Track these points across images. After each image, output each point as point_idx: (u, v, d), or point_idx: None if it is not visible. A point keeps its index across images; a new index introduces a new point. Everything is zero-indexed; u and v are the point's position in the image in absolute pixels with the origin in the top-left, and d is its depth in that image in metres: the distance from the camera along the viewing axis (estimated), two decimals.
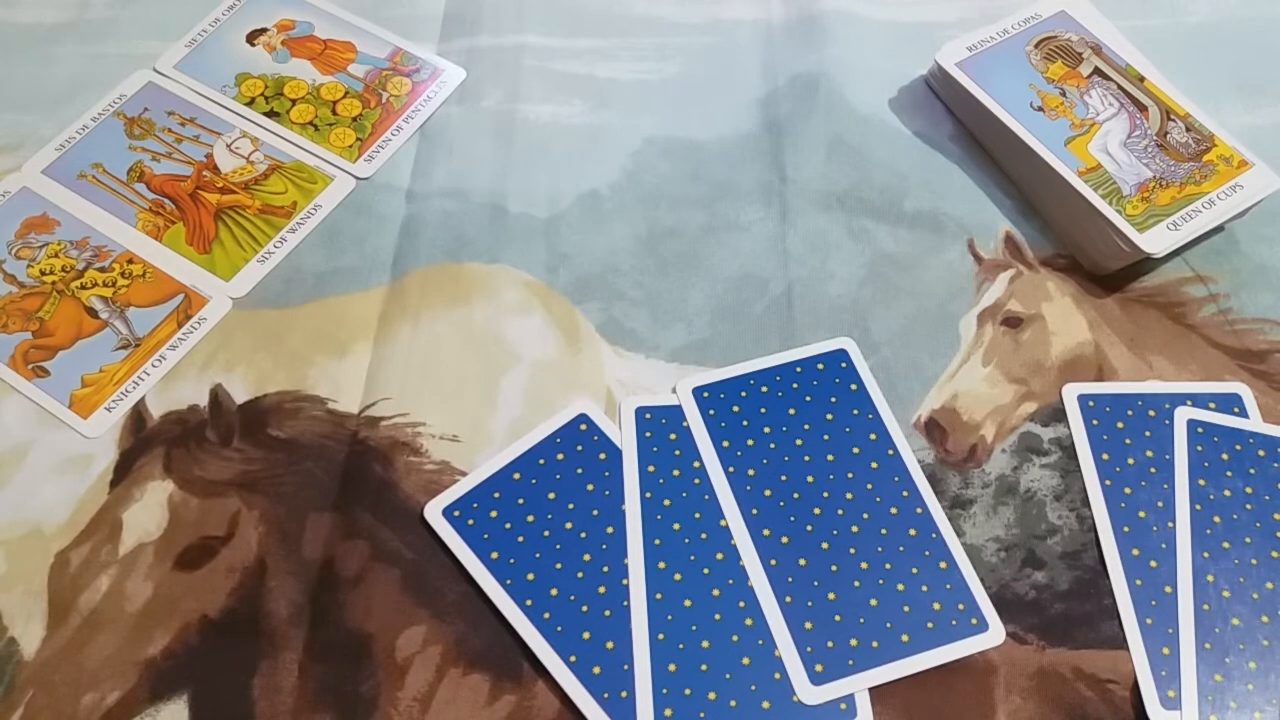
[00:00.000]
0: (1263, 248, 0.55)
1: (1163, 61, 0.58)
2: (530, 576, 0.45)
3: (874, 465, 0.48)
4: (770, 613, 0.44)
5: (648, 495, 0.47)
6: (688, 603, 0.44)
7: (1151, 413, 0.49)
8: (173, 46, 0.63)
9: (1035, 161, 0.54)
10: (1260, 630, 0.43)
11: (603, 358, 0.52)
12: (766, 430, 0.49)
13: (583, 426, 0.49)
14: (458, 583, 0.45)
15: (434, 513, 0.47)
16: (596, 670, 0.43)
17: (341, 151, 0.59)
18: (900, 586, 0.45)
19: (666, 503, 0.47)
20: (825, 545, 0.46)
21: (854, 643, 0.43)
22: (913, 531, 0.46)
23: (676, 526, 0.46)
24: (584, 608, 0.44)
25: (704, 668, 0.43)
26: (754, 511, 0.46)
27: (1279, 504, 0.47)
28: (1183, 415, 0.49)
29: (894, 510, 0.47)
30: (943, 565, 0.45)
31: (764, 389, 0.50)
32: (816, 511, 0.47)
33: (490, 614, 0.44)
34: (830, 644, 0.43)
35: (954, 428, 0.50)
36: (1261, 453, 0.48)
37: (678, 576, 0.45)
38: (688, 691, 0.42)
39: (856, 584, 0.45)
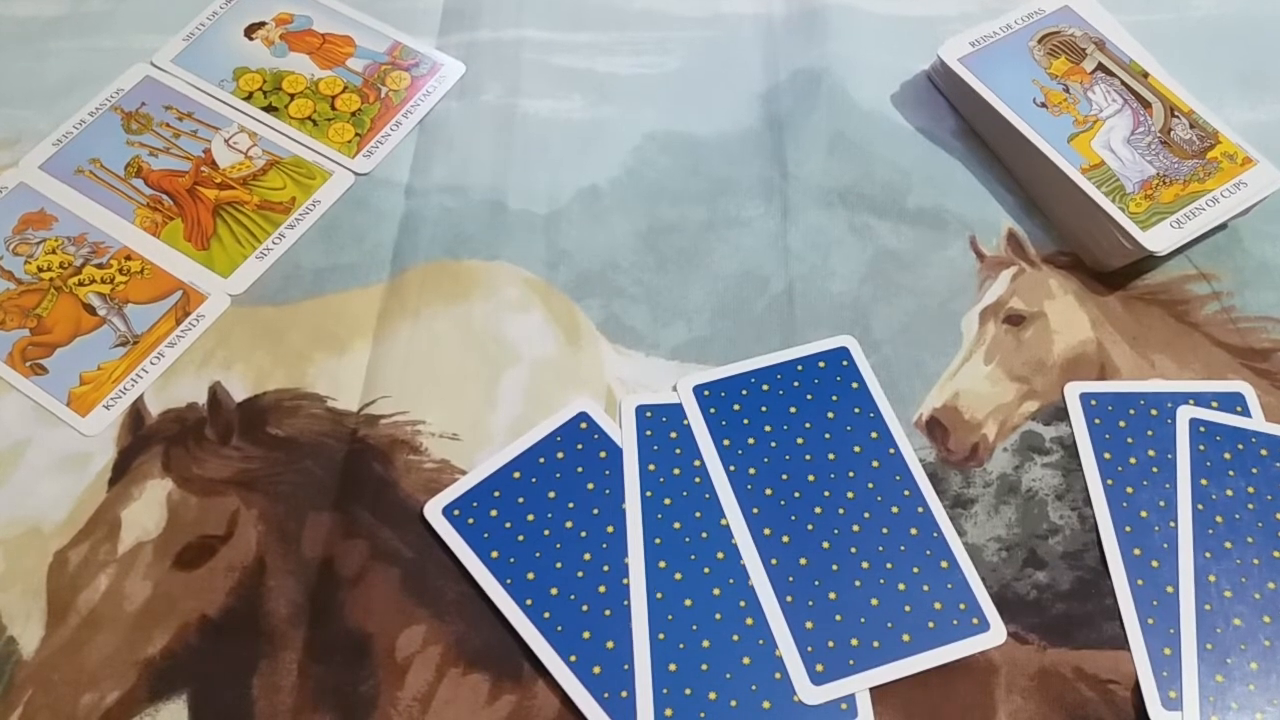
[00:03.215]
0: (1266, 245, 0.55)
1: (1166, 57, 0.57)
2: (530, 576, 0.45)
3: (875, 464, 0.48)
4: (771, 612, 0.44)
5: (648, 494, 0.47)
6: (688, 602, 0.44)
7: (1154, 412, 0.49)
8: (170, 40, 0.62)
9: (1038, 158, 0.54)
10: (1262, 631, 0.43)
11: (603, 355, 0.52)
12: (767, 429, 0.48)
13: (583, 425, 0.49)
14: (457, 582, 0.45)
15: (434, 512, 0.46)
16: (596, 670, 0.43)
17: (340, 147, 0.58)
18: (901, 586, 0.45)
19: (667, 501, 0.47)
20: (826, 544, 0.46)
21: (855, 642, 0.43)
22: (914, 531, 0.46)
23: (677, 525, 0.46)
24: (584, 607, 0.44)
25: (704, 667, 0.43)
26: (755, 510, 0.46)
27: None
28: (1185, 414, 0.49)
29: (895, 509, 0.46)
30: (944, 565, 0.45)
31: (765, 387, 0.50)
32: (817, 510, 0.46)
33: (490, 613, 0.44)
34: (831, 644, 0.43)
35: (955, 426, 0.49)
36: (1264, 452, 0.48)
37: (678, 576, 0.45)
38: (688, 691, 0.42)
39: (857, 583, 0.45)
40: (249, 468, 0.48)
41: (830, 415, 0.49)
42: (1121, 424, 0.49)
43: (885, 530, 0.46)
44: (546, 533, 0.46)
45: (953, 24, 0.62)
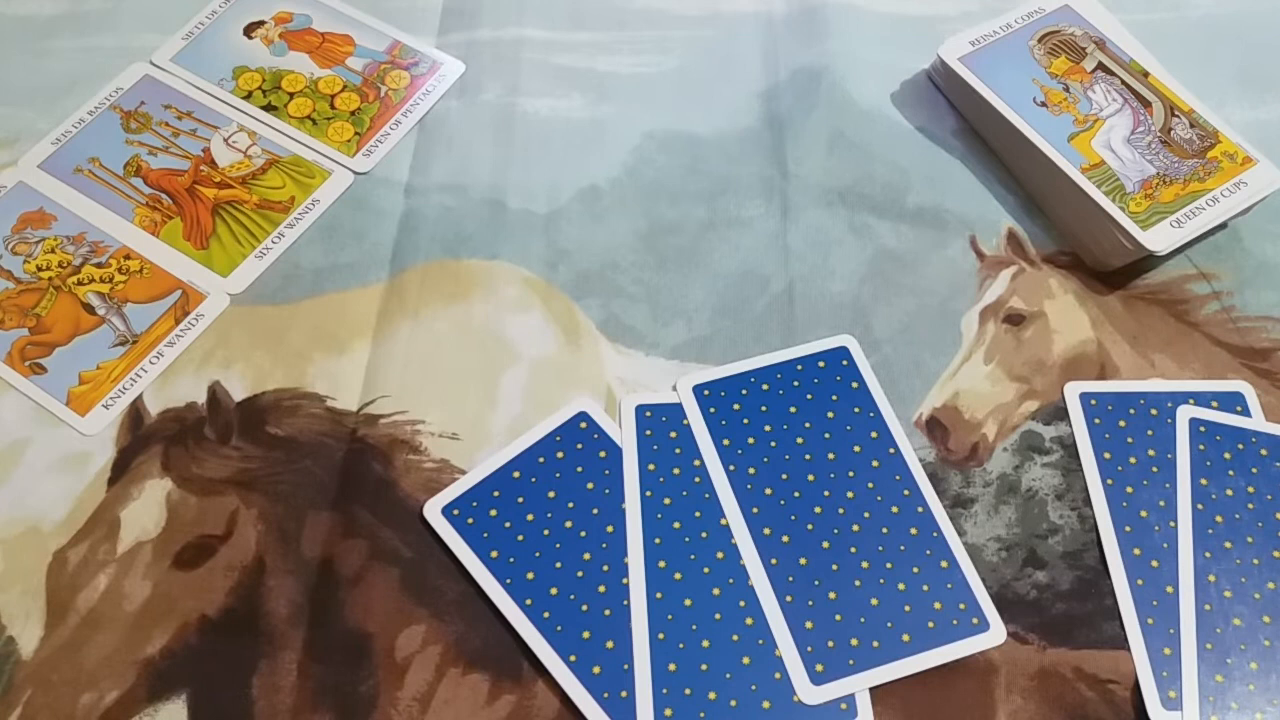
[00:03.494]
0: (1266, 245, 0.55)
1: (1167, 56, 0.57)
2: (530, 575, 0.45)
3: (875, 464, 0.48)
4: (770, 612, 0.44)
5: (648, 494, 0.47)
6: (688, 602, 0.44)
7: (1154, 411, 0.49)
8: (169, 39, 0.62)
9: (1038, 157, 0.54)
10: (1262, 631, 0.43)
11: (603, 355, 0.51)
12: (767, 428, 0.48)
13: (583, 424, 0.49)
14: (457, 582, 0.45)
15: (433, 511, 0.46)
16: (596, 670, 0.43)
17: (340, 146, 0.58)
18: (901, 586, 0.45)
19: (667, 501, 0.47)
20: (826, 544, 0.46)
21: (855, 642, 0.43)
22: (914, 530, 0.46)
23: (677, 525, 0.46)
24: (584, 607, 0.44)
25: (704, 667, 0.43)
26: (754, 510, 0.46)
27: None
28: (1185, 414, 0.49)
29: (895, 509, 0.46)
30: (944, 564, 0.45)
31: (765, 387, 0.50)
32: (817, 510, 0.46)
33: (490, 613, 0.44)
34: (831, 643, 0.43)
35: (955, 426, 0.49)
36: (1264, 452, 0.48)
37: (678, 575, 0.45)
38: (688, 691, 0.42)
39: (857, 583, 0.45)
40: (248, 467, 0.48)
41: (830, 415, 0.49)
42: (1121, 424, 0.49)
43: (885, 530, 0.46)
44: (546, 532, 0.46)
45: (953, 23, 0.62)
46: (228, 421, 0.49)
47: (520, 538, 0.46)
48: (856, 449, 0.48)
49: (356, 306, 0.53)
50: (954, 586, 0.45)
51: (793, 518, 0.46)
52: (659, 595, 0.44)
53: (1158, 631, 0.44)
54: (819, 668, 0.43)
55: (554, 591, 0.44)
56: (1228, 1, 0.64)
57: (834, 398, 0.49)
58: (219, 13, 0.64)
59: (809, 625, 0.44)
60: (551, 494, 0.47)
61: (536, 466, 0.48)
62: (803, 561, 0.45)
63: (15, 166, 0.57)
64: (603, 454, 0.48)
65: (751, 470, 0.47)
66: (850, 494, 0.47)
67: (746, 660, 0.43)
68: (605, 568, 0.45)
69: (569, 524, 0.46)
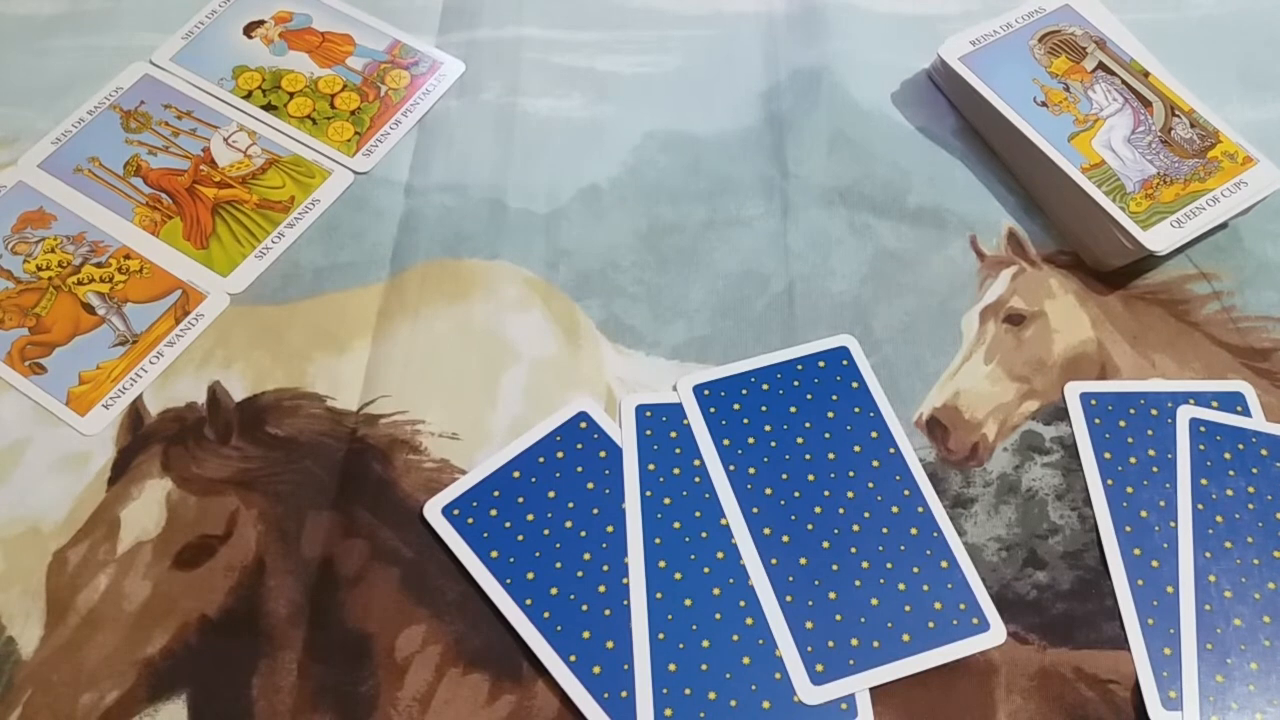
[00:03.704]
0: (1267, 244, 0.55)
1: (1167, 56, 0.57)
2: (530, 575, 0.45)
3: (875, 464, 0.48)
4: (771, 612, 0.44)
5: (648, 494, 0.47)
6: (688, 602, 0.44)
7: (1154, 411, 0.49)
8: (169, 39, 0.62)
9: (1038, 157, 0.54)
10: (1262, 631, 0.43)
11: (603, 355, 0.51)
12: (767, 428, 0.48)
13: (583, 424, 0.49)
14: (457, 582, 0.45)
15: (433, 511, 0.46)
16: (596, 670, 0.43)
17: (340, 145, 0.58)
18: (901, 586, 0.45)
19: (667, 501, 0.47)
20: (826, 544, 0.46)
21: (855, 642, 0.43)
22: (914, 530, 0.46)
23: (677, 525, 0.46)
24: (584, 607, 0.44)
25: (704, 667, 0.43)
26: (755, 510, 0.46)
27: None
28: (1185, 414, 0.49)
29: (895, 509, 0.46)
30: (944, 564, 0.45)
31: (765, 387, 0.50)
32: (817, 510, 0.46)
33: (490, 613, 0.44)
34: (831, 644, 0.43)
35: (956, 426, 0.49)
36: (1264, 452, 0.48)
37: (678, 575, 0.45)
38: (688, 691, 0.42)
39: (857, 583, 0.45)
40: (248, 467, 0.48)
41: (830, 415, 0.49)
42: (1121, 424, 0.49)
43: (885, 530, 0.46)
44: (546, 532, 0.46)
45: (954, 22, 0.62)
46: (228, 421, 0.49)
47: (520, 538, 0.46)
48: (856, 449, 0.48)
49: (356, 306, 0.53)
50: (954, 586, 0.45)
51: (793, 518, 0.46)
52: (659, 595, 0.44)
53: (1158, 632, 0.44)
54: (819, 668, 0.43)
55: (554, 591, 0.44)
56: (1228, 1, 0.64)
57: (834, 398, 0.49)
58: (219, 12, 0.63)
59: (809, 625, 0.44)
60: (551, 494, 0.47)
61: (536, 466, 0.48)
62: (803, 561, 0.45)
63: (15, 166, 0.57)
64: (603, 454, 0.48)
65: (751, 470, 0.47)
66: (850, 494, 0.47)
67: (746, 660, 0.43)
68: (605, 568, 0.45)
69: (569, 524, 0.46)
